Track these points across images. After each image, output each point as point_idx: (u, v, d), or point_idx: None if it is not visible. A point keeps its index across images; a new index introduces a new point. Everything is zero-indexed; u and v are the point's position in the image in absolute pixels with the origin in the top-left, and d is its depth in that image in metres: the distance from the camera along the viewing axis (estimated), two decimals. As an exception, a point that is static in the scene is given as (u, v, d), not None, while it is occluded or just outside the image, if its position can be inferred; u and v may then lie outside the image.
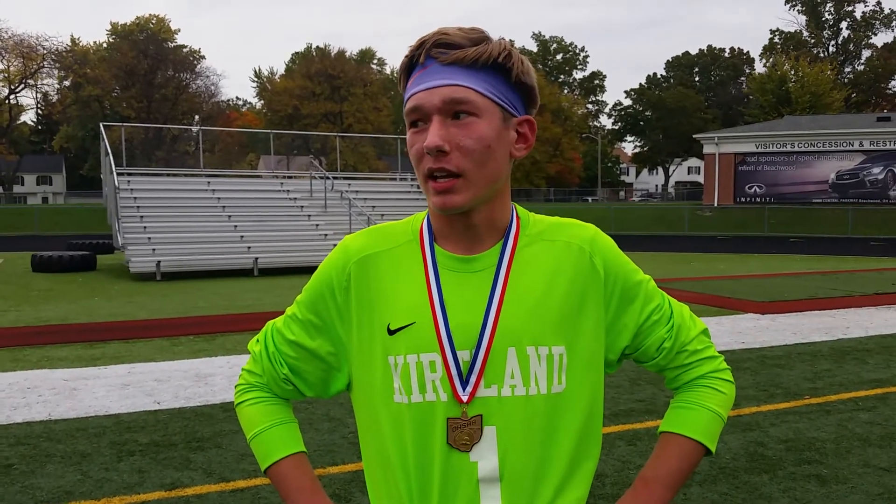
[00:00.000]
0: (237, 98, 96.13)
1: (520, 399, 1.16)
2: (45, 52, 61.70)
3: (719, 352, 1.35)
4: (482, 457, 1.16)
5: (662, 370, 1.32)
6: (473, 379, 1.16)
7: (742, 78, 78.02)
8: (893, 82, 70.34)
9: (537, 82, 1.22)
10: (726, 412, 1.30)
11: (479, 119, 1.13)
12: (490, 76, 1.14)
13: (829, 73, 56.23)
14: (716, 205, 38.99)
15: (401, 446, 1.18)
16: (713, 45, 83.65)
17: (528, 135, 1.22)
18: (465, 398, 1.15)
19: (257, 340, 1.35)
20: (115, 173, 18.63)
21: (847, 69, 71.06)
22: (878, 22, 70.07)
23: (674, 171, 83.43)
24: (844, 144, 36.57)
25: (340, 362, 1.27)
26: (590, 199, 67.95)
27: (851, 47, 71.41)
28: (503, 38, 1.16)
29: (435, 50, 1.13)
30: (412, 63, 1.17)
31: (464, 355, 1.16)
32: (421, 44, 1.15)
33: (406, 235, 1.26)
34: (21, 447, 4.73)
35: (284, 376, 1.30)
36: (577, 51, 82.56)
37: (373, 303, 1.21)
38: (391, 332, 1.19)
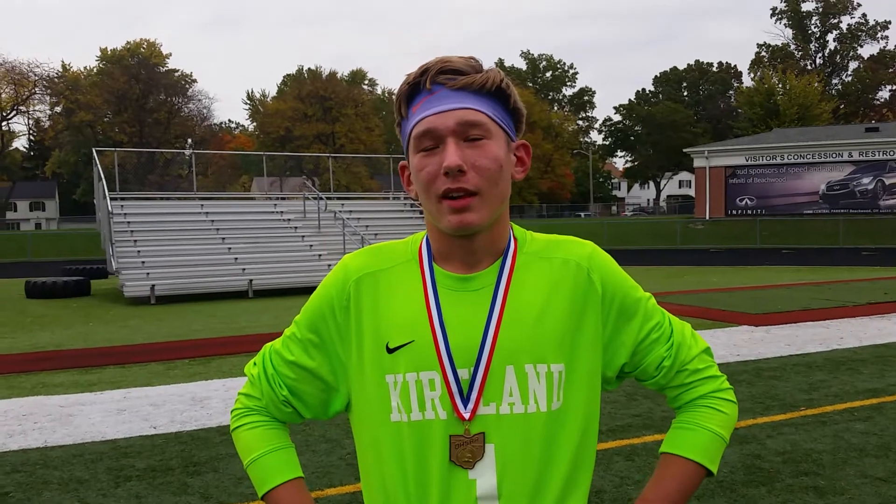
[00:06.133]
0: (230, 121, 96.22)
1: (518, 417, 1.17)
2: (36, 78, 61.90)
3: (715, 365, 1.35)
4: (481, 474, 1.16)
5: (663, 389, 1.32)
6: (474, 396, 1.17)
7: (730, 91, 78.62)
8: (881, 93, 71.05)
9: (528, 100, 1.25)
10: (728, 432, 1.29)
11: (490, 141, 1.16)
12: (493, 102, 1.18)
13: (816, 85, 56.75)
14: (707, 218, 39.15)
15: (399, 464, 1.19)
16: (701, 60, 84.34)
17: (524, 158, 1.26)
18: (466, 416, 1.16)
19: (255, 364, 1.35)
20: (108, 198, 18.59)
21: (834, 81, 71.74)
22: (863, 34, 70.87)
23: (665, 185, 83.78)
24: (833, 155, 36.83)
25: (339, 382, 1.27)
26: (582, 214, 68.23)
27: (838, 59, 72.13)
28: (496, 67, 1.20)
29: (442, 76, 1.16)
30: (415, 89, 1.18)
31: (463, 373, 1.17)
32: (424, 71, 1.16)
33: (406, 255, 1.27)
34: (17, 475, 4.71)
35: (284, 398, 1.29)
36: (566, 68, 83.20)
37: (372, 321, 1.22)
38: (390, 351, 1.20)
